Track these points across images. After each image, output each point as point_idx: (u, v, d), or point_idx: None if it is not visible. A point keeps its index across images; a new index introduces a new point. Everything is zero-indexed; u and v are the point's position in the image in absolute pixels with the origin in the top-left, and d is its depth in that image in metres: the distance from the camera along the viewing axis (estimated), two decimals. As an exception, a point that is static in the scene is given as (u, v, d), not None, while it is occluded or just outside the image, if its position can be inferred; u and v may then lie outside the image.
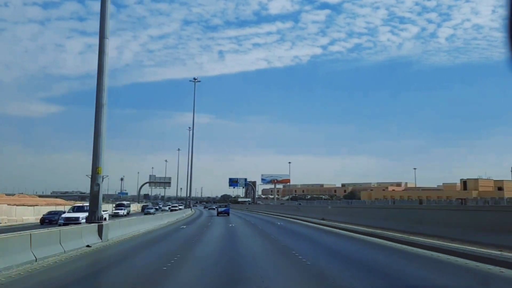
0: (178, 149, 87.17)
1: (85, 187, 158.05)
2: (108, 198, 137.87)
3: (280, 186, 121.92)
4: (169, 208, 66.22)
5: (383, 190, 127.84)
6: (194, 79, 69.10)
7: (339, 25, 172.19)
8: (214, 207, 76.64)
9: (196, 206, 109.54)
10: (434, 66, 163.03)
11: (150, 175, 76.69)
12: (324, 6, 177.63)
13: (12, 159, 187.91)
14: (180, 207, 71.12)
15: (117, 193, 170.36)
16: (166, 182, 78.56)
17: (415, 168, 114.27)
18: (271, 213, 54.19)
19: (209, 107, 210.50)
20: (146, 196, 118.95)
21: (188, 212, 58.06)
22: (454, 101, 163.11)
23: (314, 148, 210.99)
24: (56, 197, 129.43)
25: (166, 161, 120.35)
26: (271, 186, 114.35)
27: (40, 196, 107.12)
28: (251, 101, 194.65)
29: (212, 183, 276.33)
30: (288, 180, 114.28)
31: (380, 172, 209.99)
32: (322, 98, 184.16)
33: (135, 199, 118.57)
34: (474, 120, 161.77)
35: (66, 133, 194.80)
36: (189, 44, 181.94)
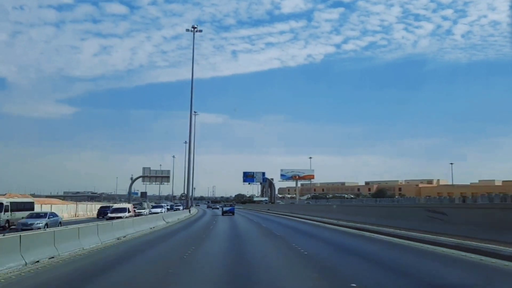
0: (185, 142, 79.32)
1: (96, 188, 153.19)
2: (119, 198, 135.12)
3: (300, 183, 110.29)
4: (149, 211, 47.93)
5: (416, 186, 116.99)
6: (193, 27, 58.64)
7: (352, 23, 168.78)
8: (218, 206, 72.97)
9: (199, 205, 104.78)
10: (450, 64, 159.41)
11: (143, 168, 65.23)
12: (338, 4, 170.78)
13: (28, 159, 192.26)
14: (178, 207, 63.43)
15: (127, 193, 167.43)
16: (163, 176, 64.99)
17: (451, 163, 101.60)
18: (301, 215, 41.53)
19: (223, 107, 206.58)
20: (144, 195, 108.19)
21: (183, 215, 45.16)
22: (472, 98, 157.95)
23: (329, 147, 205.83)
24: (64, 197, 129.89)
25: (173, 156, 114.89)
26: (290, 184, 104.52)
27: (47, 197, 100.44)
28: (265, 101, 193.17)
29: (225, 183, 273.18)
30: (312, 176, 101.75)
31: (402, 169, 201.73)
32: (336, 97, 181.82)
33: (151, 199, 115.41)
34: (494, 118, 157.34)
35: (81, 133, 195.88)
36: (202, 45, 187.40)
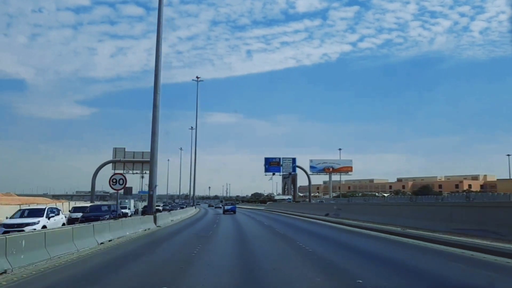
0: (192, 133, 73.13)
1: (109, 188, 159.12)
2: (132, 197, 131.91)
3: (323, 180, 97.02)
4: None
5: (460, 182, 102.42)
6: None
7: (368, 21, 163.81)
8: (220, 205, 71.09)
9: (199, 204, 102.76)
10: (468, 61, 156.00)
11: (115, 149, 50.85)
12: (353, 2, 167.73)
13: (46, 159, 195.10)
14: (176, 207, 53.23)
15: (138, 192, 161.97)
16: (144, 162, 46.73)
17: (508, 155, 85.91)
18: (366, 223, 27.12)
19: (237, 107, 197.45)
20: (128, 191, 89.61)
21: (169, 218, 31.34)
22: (491, 95, 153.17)
23: (346, 146, 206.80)
24: (72, 197, 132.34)
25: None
26: (318, 179, 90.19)
27: (52, 196, 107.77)
28: (280, 100, 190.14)
29: (240, 182, 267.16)
30: (350, 168, 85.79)
31: (428, 166, 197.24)
32: (352, 95, 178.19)
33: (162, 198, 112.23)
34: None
35: (98, 134, 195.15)
36: (217, 45, 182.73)
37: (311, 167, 75.59)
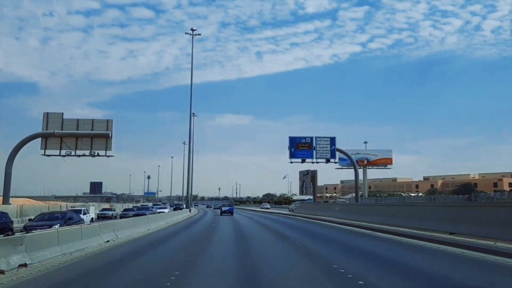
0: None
1: (120, 189, 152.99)
2: (138, 199, 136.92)
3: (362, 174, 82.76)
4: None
5: (500, 180, 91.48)
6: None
7: (378, 21, 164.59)
8: (218, 206, 70.68)
9: (197, 205, 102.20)
10: (480, 60, 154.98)
11: (46, 114, 33.55)
12: (363, 2, 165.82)
13: (56, 162, 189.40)
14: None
15: (143, 193, 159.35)
16: (93, 136, 33.31)
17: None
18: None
19: (248, 108, 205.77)
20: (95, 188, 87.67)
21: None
22: (504, 94, 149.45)
23: (357, 147, 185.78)
24: (75, 198, 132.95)
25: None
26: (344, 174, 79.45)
27: (54, 197, 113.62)
28: (290, 101, 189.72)
29: (251, 183, 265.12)
30: (389, 161, 71.34)
31: (445, 166, 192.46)
32: (363, 96, 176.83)
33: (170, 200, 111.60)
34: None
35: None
36: (226, 46, 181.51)
37: (340, 159, 59.50)
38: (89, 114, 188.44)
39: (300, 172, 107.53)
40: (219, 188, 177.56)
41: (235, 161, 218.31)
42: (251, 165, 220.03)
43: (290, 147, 49.78)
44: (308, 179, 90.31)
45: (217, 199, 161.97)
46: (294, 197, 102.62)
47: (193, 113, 55.69)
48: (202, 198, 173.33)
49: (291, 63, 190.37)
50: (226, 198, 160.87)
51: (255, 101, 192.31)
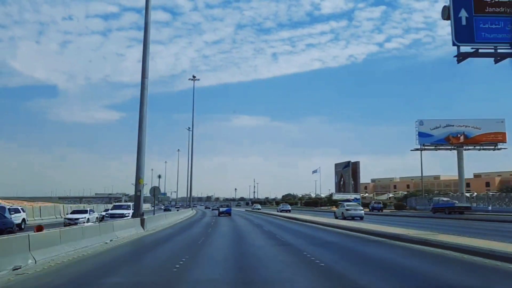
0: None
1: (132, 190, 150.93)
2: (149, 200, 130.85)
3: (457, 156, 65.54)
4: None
5: None
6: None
7: (395, 21, 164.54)
8: (216, 207, 70.61)
9: (196, 206, 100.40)
10: None
11: None
12: (379, 2, 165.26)
13: (74, 163, 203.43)
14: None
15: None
16: None
17: None
18: None
19: (264, 110, 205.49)
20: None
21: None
22: None
23: (375, 147, 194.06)
24: (80, 198, 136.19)
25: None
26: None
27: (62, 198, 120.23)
28: (307, 102, 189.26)
29: (269, 184, 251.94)
30: (501, 137, 47.45)
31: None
32: (380, 97, 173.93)
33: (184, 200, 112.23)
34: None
35: (124, 138, 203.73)
36: (243, 48, 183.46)
37: (422, 134, 41.08)
38: (106, 116, 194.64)
39: (337, 165, 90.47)
40: (235, 189, 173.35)
41: (251, 162, 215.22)
42: (268, 166, 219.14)
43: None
44: (347, 173, 74.79)
45: (233, 200, 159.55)
46: (336, 197, 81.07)
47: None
48: (217, 199, 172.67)
49: (307, 64, 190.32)
50: (242, 199, 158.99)
51: (271, 102, 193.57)
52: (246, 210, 79.79)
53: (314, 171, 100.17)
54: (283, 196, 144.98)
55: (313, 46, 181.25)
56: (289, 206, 68.55)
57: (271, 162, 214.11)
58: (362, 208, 39.61)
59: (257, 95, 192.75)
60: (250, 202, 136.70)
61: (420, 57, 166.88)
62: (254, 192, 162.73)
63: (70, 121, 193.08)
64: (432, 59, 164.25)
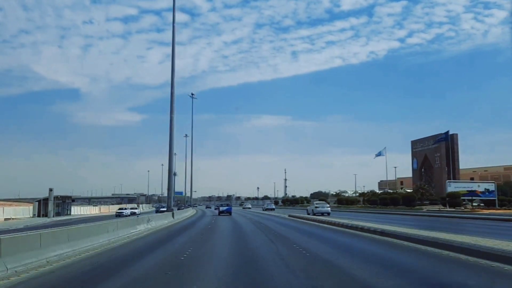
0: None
1: (150, 190, 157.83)
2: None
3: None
4: None
5: None
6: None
7: (417, 16, 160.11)
8: (217, 206, 66.43)
9: (196, 206, 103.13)
10: None
11: None
12: None
13: (91, 164, 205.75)
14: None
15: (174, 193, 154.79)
16: None
17: None
18: None
19: (285, 109, 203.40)
20: None
21: None
22: None
23: (398, 146, 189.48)
24: (90, 198, 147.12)
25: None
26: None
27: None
28: (328, 100, 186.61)
29: (295, 182, 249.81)
30: None
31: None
32: (402, 93, 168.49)
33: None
34: None
35: (146, 140, 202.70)
36: (262, 47, 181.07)
37: None
38: (129, 118, 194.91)
39: (415, 143, 74.25)
40: (258, 188, 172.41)
41: (273, 161, 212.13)
42: (293, 165, 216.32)
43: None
44: (441, 151, 54.50)
45: (256, 199, 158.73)
46: (454, 187, 57.94)
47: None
48: (238, 198, 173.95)
49: (327, 62, 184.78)
50: (266, 197, 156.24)
51: (292, 101, 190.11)
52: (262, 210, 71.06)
53: (378, 154, 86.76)
54: (312, 194, 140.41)
55: (333, 44, 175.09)
56: (273, 205, 77.95)
57: (295, 161, 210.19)
58: (328, 205, 46.77)
59: (278, 94, 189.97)
60: (272, 201, 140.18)
61: (443, 52, 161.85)
62: (277, 190, 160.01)
63: (93, 124, 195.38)
64: (455, 54, 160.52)
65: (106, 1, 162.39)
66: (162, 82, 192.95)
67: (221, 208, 48.54)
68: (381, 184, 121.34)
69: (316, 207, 43.38)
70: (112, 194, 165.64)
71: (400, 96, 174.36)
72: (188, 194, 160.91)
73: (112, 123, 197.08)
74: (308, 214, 41.09)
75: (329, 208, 43.59)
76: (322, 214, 40.46)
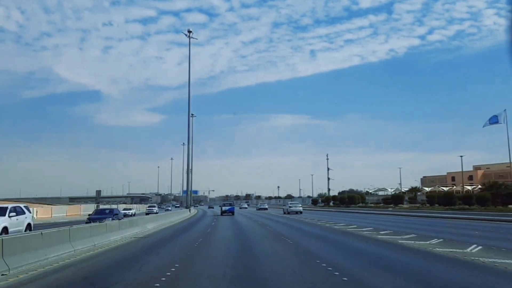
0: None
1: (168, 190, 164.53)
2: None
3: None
4: None
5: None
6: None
7: (437, 12, 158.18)
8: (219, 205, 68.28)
9: (197, 206, 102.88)
10: None
11: None
12: None
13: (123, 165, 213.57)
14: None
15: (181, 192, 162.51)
16: None
17: None
18: None
19: (304, 108, 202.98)
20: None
21: None
22: None
23: (417, 145, 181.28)
24: (95, 197, 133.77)
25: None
26: None
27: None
28: (347, 99, 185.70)
29: (316, 181, 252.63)
30: None
31: None
32: (423, 91, 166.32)
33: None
34: None
35: (164, 140, 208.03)
36: (279, 46, 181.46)
37: None
38: (148, 119, 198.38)
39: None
40: (278, 187, 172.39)
41: (293, 160, 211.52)
42: (313, 164, 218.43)
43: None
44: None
45: (278, 198, 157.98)
46: None
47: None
48: (259, 197, 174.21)
49: (346, 60, 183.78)
50: (290, 196, 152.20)
51: (311, 101, 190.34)
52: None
53: (493, 120, 55.13)
54: (339, 193, 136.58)
55: (352, 42, 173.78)
56: (266, 204, 78.53)
57: (315, 160, 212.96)
58: (300, 205, 56.38)
59: (296, 93, 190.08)
60: (318, 199, 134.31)
61: (464, 49, 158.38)
62: (301, 189, 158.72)
63: (113, 125, 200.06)
64: (477, 51, 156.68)
65: (125, 3, 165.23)
66: (181, 83, 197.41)
67: (223, 208, 49.78)
68: (424, 180, 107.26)
69: (290, 206, 53.08)
70: (128, 194, 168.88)
71: (420, 94, 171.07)
72: (206, 194, 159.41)
73: (132, 124, 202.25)
74: (284, 213, 50.27)
75: (301, 208, 53.20)
76: (296, 213, 49.03)
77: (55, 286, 8.12)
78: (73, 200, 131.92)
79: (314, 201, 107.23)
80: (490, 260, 10.50)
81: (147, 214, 45.10)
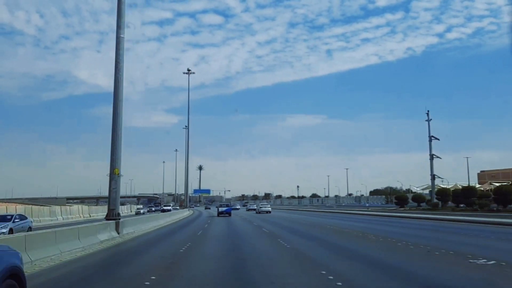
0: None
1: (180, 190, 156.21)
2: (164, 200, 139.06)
3: None
4: None
5: None
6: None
7: (455, 10, 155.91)
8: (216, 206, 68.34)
9: (193, 207, 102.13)
10: None
11: None
12: None
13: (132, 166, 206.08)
14: None
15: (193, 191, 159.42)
16: None
17: None
18: None
19: (321, 108, 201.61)
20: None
21: None
22: None
23: (437, 144, 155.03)
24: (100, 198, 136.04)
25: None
26: None
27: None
28: (364, 99, 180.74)
29: (340, 181, 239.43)
30: None
31: None
32: (442, 90, 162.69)
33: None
34: None
35: (180, 141, 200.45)
36: (295, 46, 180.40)
37: None
38: (166, 120, 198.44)
39: None
40: (298, 186, 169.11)
41: (311, 160, 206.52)
42: (332, 163, 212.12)
43: None
44: None
45: (301, 197, 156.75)
46: None
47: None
48: (279, 197, 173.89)
49: (362, 60, 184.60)
50: (315, 195, 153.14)
51: (327, 100, 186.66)
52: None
53: None
54: (371, 192, 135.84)
55: (369, 41, 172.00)
56: (269, 206, 63.76)
57: (334, 161, 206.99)
58: (269, 205, 67.39)
59: (313, 93, 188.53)
60: (318, 199, 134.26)
61: (484, 46, 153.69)
62: (324, 189, 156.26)
63: (131, 126, 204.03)
64: (496, 49, 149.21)
65: (142, 5, 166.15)
66: (197, 84, 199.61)
67: (220, 209, 49.76)
68: (482, 175, 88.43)
69: (260, 206, 63.41)
70: (139, 193, 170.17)
71: (440, 93, 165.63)
72: (222, 194, 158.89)
73: (150, 125, 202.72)
74: (257, 212, 58.08)
75: (269, 208, 61.30)
76: (267, 212, 56.51)
77: (78, 272, 10.07)
78: (70, 200, 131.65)
79: (402, 200, 65.25)
80: None
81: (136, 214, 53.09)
